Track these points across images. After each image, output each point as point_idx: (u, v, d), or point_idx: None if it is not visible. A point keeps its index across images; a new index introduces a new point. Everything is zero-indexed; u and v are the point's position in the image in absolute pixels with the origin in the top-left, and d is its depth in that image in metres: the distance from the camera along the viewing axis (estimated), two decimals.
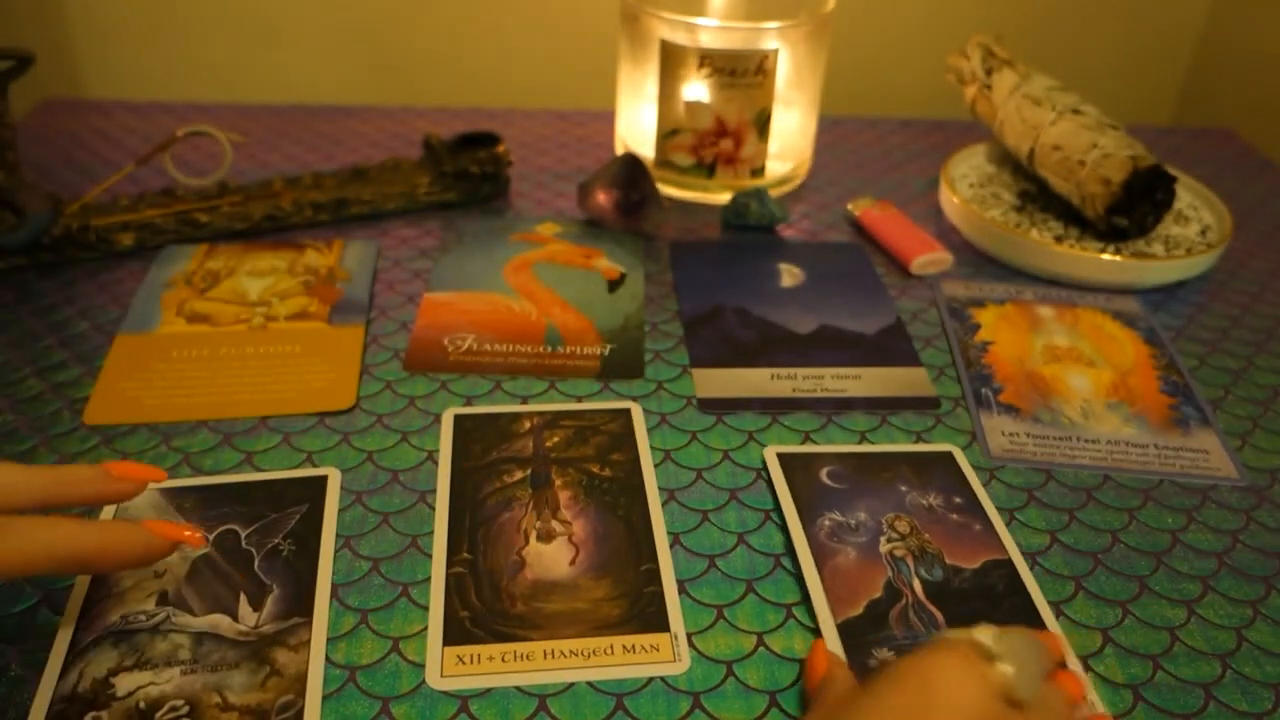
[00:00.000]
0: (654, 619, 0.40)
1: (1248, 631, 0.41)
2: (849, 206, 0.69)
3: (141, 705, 0.35)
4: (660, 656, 0.38)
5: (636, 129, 0.70)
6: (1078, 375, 0.55)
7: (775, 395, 0.52)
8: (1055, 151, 0.65)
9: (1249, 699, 0.38)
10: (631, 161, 0.65)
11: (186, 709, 0.35)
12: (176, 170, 0.66)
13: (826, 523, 0.44)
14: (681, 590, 0.41)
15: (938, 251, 0.64)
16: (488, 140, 0.69)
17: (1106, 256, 0.62)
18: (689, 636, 0.39)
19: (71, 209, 0.61)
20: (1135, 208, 0.63)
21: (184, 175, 0.66)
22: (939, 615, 0.40)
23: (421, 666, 0.37)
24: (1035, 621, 0.40)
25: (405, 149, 0.75)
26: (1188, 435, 0.51)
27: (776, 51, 0.64)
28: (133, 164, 0.65)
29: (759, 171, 0.69)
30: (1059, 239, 0.64)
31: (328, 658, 0.37)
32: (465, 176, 0.67)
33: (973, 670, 0.30)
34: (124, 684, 0.36)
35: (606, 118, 0.77)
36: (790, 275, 0.62)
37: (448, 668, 0.37)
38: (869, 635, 0.39)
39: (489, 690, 0.37)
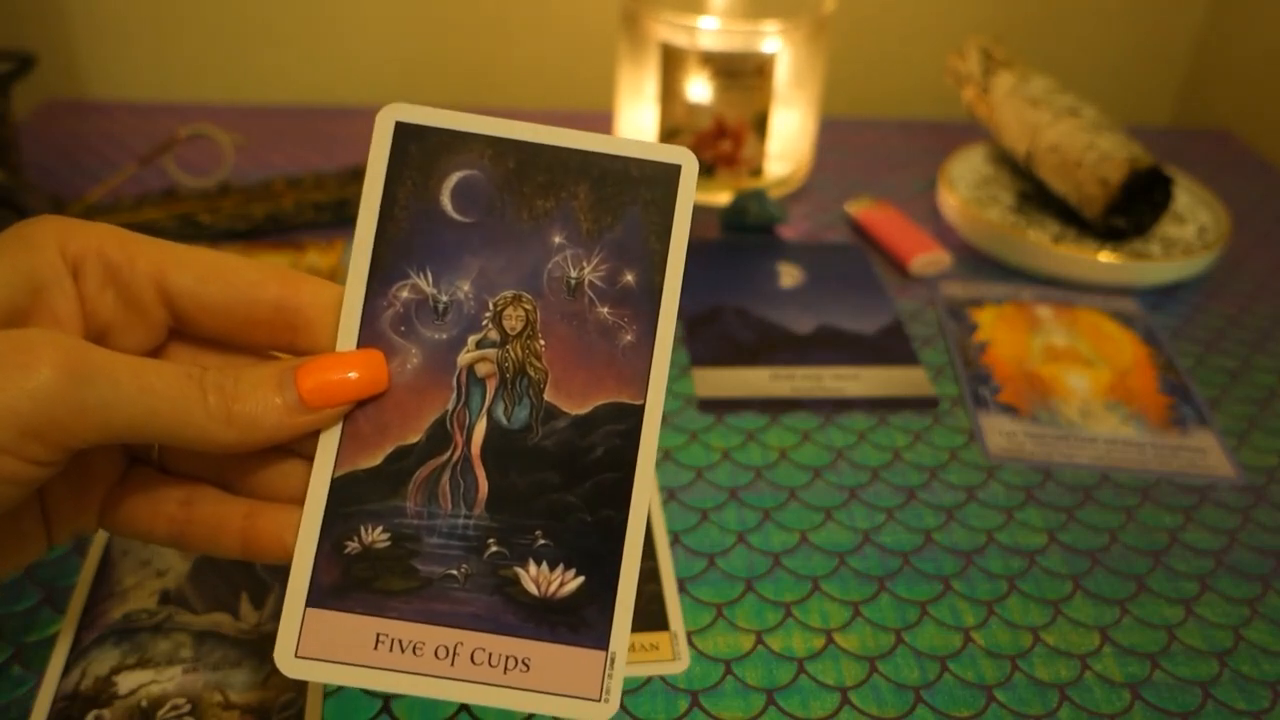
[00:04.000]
0: (654, 618, 0.40)
1: (1245, 630, 0.41)
2: (847, 207, 0.69)
3: (144, 703, 0.35)
4: (660, 655, 0.38)
5: (636, 130, 0.70)
6: (1076, 375, 0.55)
7: (775, 395, 0.52)
8: (1053, 153, 0.65)
9: (1247, 698, 0.38)
10: None
11: (188, 707, 0.35)
12: (178, 171, 0.66)
13: (404, 293, 0.27)
14: (681, 589, 0.41)
15: (936, 252, 0.64)
16: None
17: (1104, 257, 0.62)
18: (689, 635, 0.39)
19: (74, 210, 0.61)
20: (1133, 208, 0.63)
21: (186, 176, 0.66)
22: (483, 485, 0.27)
23: None
24: (614, 534, 0.26)
25: None
26: (1185, 435, 0.51)
27: (776, 53, 0.64)
28: (135, 165, 0.65)
29: (758, 172, 0.69)
30: (1057, 239, 0.64)
31: None
32: None
33: None
34: (126, 682, 0.36)
35: (606, 119, 0.77)
36: (789, 275, 0.62)
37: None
38: (368, 503, 0.26)
39: None
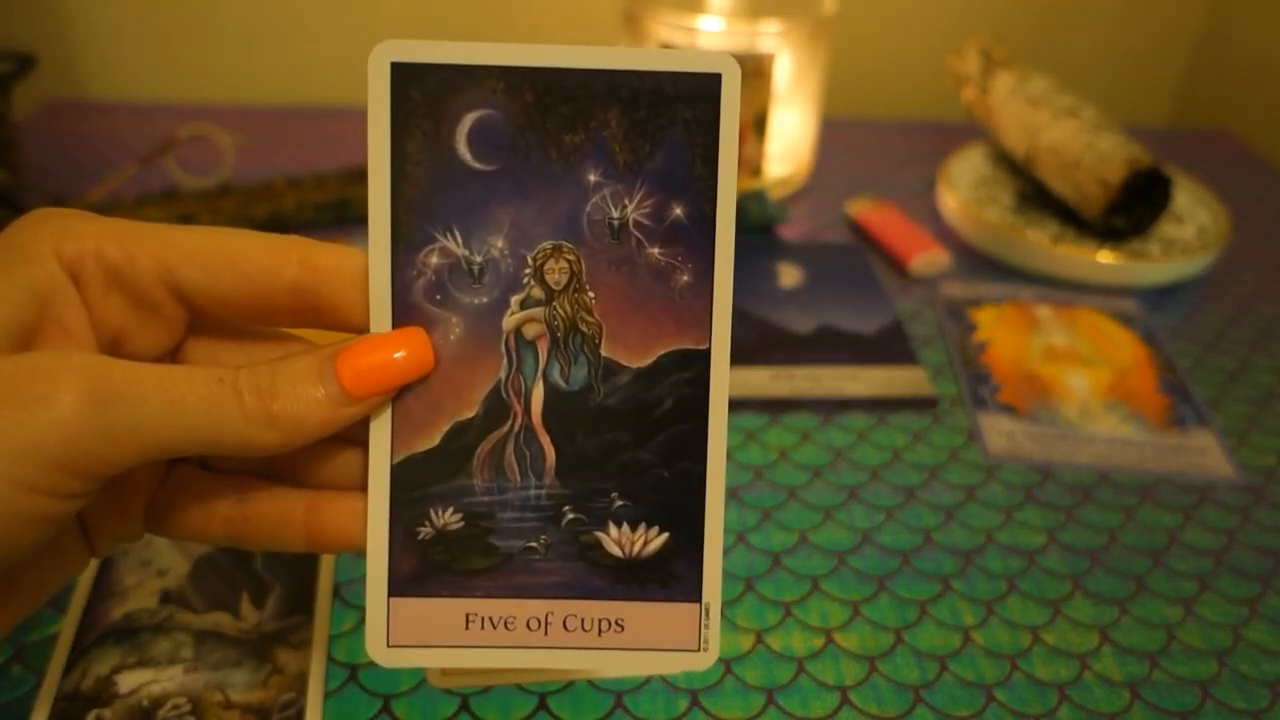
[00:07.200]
0: None
1: (1245, 630, 0.41)
2: (847, 207, 0.69)
3: (144, 703, 0.35)
4: None
5: None
6: (1075, 375, 0.55)
7: (775, 395, 0.52)
8: (1052, 153, 0.65)
9: (1246, 697, 0.38)
10: None
11: (189, 707, 0.35)
12: (179, 171, 0.66)
13: (434, 258, 0.24)
14: None
15: (936, 252, 0.64)
16: None
17: (1104, 257, 0.62)
18: None
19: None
20: (1132, 209, 0.63)
21: (186, 176, 0.66)
22: (549, 453, 0.25)
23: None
24: (694, 486, 0.25)
25: None
26: (1185, 435, 0.51)
27: (776, 53, 0.64)
28: (135, 165, 0.65)
29: (758, 172, 0.69)
30: (1056, 239, 0.64)
31: (329, 656, 0.38)
32: None
33: None
34: (126, 682, 0.36)
35: None
36: (789, 276, 0.62)
37: (449, 666, 0.37)
38: (432, 486, 0.25)
39: (489, 688, 0.37)
